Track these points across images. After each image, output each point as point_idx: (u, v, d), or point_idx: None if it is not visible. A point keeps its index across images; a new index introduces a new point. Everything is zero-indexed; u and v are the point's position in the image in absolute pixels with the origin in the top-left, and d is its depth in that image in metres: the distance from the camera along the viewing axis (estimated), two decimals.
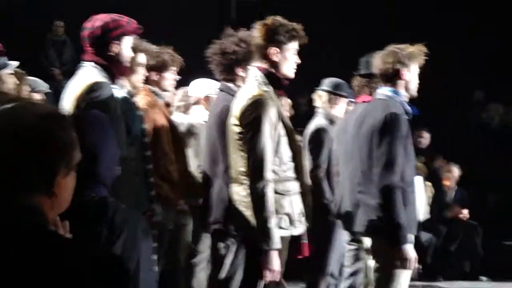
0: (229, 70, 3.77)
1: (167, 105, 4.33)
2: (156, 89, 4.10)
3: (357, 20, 9.96)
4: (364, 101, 4.33)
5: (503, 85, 9.96)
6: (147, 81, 4.01)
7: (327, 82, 5.11)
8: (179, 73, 4.33)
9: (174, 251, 4.20)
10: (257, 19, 3.39)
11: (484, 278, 7.66)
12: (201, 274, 4.39)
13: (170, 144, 3.98)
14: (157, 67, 4.07)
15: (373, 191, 3.40)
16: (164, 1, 9.57)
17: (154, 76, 4.09)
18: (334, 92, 5.04)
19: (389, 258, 3.39)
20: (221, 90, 3.84)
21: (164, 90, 4.14)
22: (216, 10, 9.99)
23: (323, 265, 4.86)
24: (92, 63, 3.22)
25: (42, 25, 9.31)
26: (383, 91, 3.58)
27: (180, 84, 4.65)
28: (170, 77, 4.16)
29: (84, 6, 6.47)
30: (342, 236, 4.48)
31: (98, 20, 3.24)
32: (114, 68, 3.24)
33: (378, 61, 3.58)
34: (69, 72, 5.79)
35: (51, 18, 9.40)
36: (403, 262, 3.34)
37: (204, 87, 4.73)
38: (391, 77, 3.53)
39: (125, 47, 3.27)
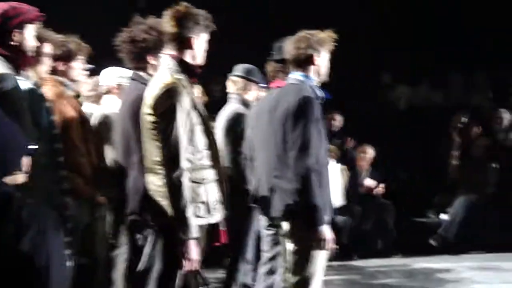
0: (139, 59, 3.71)
1: (78, 95, 4.21)
2: (63, 79, 3.98)
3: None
4: (278, 86, 4.36)
5: (408, 66, 10.31)
6: (54, 71, 3.88)
7: (240, 68, 5.11)
8: (90, 62, 4.21)
9: (91, 244, 4.12)
10: (167, 7, 3.34)
11: (396, 255, 7.92)
12: (122, 267, 4.33)
13: (80, 136, 3.88)
14: (63, 57, 3.96)
15: (289, 175, 3.44)
16: None
17: (61, 66, 3.97)
18: (247, 78, 5.05)
19: (306, 241, 3.44)
20: (132, 79, 3.77)
21: (72, 80, 4.02)
22: None
23: (242, 251, 4.88)
24: None
25: None
26: (295, 76, 3.62)
27: (93, 73, 4.53)
28: (78, 66, 4.05)
29: None
30: (259, 222, 4.52)
31: None
32: (18, 58, 3.13)
33: (289, 46, 3.62)
34: None
35: None
36: (320, 243, 3.40)
37: (115, 75, 4.62)
38: (302, 62, 3.58)
39: (28, 35, 3.16)
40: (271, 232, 4.40)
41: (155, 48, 3.65)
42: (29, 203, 1.97)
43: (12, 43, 3.11)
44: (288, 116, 3.48)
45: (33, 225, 1.91)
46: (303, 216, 3.43)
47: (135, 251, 3.59)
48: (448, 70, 10.64)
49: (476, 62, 10.52)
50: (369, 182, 8.04)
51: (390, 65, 10.42)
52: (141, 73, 3.71)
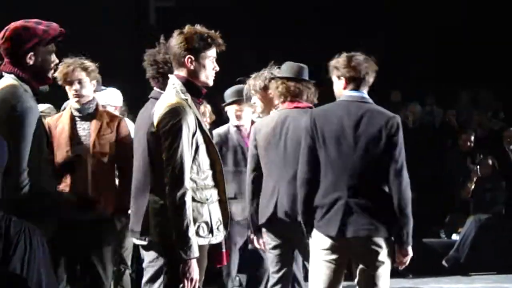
0: (164, 79, 3.71)
1: None
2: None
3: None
4: (294, 107, 4.31)
5: (419, 85, 10.29)
6: None
7: (230, 94, 5.11)
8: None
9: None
10: (176, 25, 3.35)
11: (407, 274, 7.85)
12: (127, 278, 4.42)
13: None
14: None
15: (369, 193, 3.66)
16: (81, 7, 9.37)
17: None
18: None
19: (388, 259, 3.72)
20: (152, 97, 3.81)
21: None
22: (135, 15, 9.85)
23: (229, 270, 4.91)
24: (12, 75, 3.10)
25: None
26: (354, 93, 3.92)
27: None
28: (75, 87, 4.12)
29: None
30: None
31: (9, 30, 3.10)
32: (33, 78, 3.11)
33: (345, 64, 3.86)
34: None
35: None
36: (401, 263, 3.73)
37: (107, 96, 4.70)
38: (361, 81, 3.93)
39: (44, 55, 3.11)
40: (277, 252, 4.37)
41: None
42: (14, 220, 1.97)
43: (27, 63, 3.08)
44: (383, 135, 3.79)
45: (21, 241, 1.91)
46: (396, 234, 3.76)
47: (138, 270, 3.58)
48: (457, 88, 10.61)
49: (484, 81, 10.50)
50: None
51: (399, 83, 10.40)
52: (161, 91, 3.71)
